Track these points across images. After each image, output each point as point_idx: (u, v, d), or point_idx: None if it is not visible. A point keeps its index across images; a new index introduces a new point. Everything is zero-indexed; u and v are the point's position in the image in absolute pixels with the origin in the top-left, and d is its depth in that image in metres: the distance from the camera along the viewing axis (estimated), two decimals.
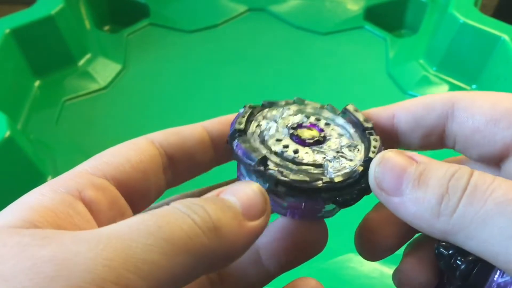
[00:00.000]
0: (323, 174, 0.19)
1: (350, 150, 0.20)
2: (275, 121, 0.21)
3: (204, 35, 0.66)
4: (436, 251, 0.21)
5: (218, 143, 0.21)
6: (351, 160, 0.19)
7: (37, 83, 0.57)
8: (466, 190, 0.16)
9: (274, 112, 0.21)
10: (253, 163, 0.19)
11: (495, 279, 0.19)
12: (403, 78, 0.58)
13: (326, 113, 0.22)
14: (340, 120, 0.21)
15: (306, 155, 0.19)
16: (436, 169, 0.17)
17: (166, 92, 0.58)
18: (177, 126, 0.21)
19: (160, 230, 0.14)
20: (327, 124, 0.21)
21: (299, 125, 0.21)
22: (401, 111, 0.21)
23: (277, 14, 0.68)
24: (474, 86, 0.56)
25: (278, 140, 0.20)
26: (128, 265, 0.13)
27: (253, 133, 0.20)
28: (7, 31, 0.52)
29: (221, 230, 0.16)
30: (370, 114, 0.22)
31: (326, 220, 0.22)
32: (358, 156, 0.20)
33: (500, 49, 0.51)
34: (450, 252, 0.20)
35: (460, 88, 0.56)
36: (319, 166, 0.19)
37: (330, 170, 0.19)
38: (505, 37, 0.50)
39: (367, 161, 0.19)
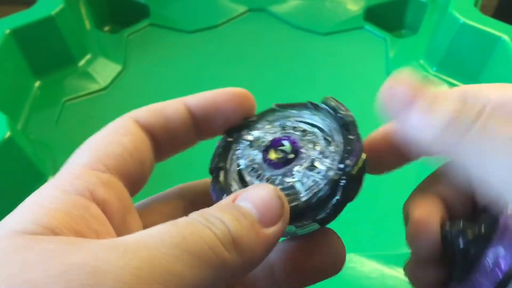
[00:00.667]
0: (295, 195, 0.18)
1: (324, 159, 0.19)
2: (251, 146, 0.20)
3: (204, 35, 0.66)
4: (442, 234, 0.20)
5: (201, 121, 0.20)
6: (320, 173, 0.19)
7: (37, 83, 0.57)
8: (486, 108, 0.15)
9: (253, 135, 0.21)
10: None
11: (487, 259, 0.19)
12: None
13: (306, 114, 0.21)
14: (318, 119, 0.21)
15: (279, 179, 0.19)
16: (451, 90, 0.16)
17: (166, 93, 0.58)
18: None
19: (184, 242, 0.14)
20: (303, 132, 0.20)
21: (274, 142, 0.20)
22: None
23: (277, 14, 0.68)
24: None
25: (253, 170, 0.20)
26: (155, 275, 0.13)
27: (231, 165, 0.20)
28: (7, 31, 0.52)
29: (240, 243, 0.15)
30: None
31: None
32: (332, 166, 0.19)
33: (500, 49, 0.51)
34: (453, 233, 0.20)
35: None
36: (291, 188, 0.19)
37: (302, 190, 0.19)
38: (505, 37, 0.50)
39: (336, 176, 0.18)
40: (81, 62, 0.59)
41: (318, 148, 0.20)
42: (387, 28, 0.66)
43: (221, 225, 0.15)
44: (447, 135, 0.16)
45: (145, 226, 0.18)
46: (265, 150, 0.20)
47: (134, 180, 0.19)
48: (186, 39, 0.65)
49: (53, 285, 0.12)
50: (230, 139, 0.21)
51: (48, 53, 0.57)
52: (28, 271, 0.13)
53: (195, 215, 0.16)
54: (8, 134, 0.41)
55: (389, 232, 0.43)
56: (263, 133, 0.21)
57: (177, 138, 0.20)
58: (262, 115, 0.21)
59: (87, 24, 0.64)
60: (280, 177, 0.19)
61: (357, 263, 0.41)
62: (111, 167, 0.18)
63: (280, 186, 0.19)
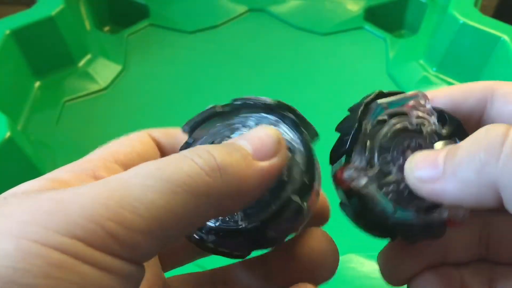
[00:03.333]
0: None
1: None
2: None
3: (204, 35, 0.66)
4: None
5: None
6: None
7: (37, 84, 0.57)
8: (508, 137, 0.15)
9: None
10: None
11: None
12: (403, 79, 0.58)
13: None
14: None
15: None
16: (467, 139, 0.16)
17: (166, 93, 0.58)
18: (177, 126, 0.21)
19: (159, 171, 0.15)
20: None
21: None
22: (439, 95, 0.20)
23: (277, 14, 0.68)
24: None
25: None
26: (123, 203, 0.14)
27: None
28: (7, 32, 0.52)
29: (226, 169, 0.16)
30: None
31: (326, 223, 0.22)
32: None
33: (500, 50, 0.51)
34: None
35: None
36: None
37: None
38: (505, 37, 0.50)
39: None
40: (81, 63, 0.59)
41: None
42: (387, 28, 0.66)
43: (206, 155, 0.16)
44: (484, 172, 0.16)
45: None
46: None
47: None
48: (186, 39, 0.65)
49: (21, 213, 0.14)
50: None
51: (48, 53, 0.56)
52: (7, 209, 0.14)
53: (183, 151, 0.16)
54: (8, 134, 0.41)
55: None
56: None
57: None
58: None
59: (87, 25, 0.64)
60: None
61: (357, 263, 0.41)
62: (119, 160, 0.19)
63: None
